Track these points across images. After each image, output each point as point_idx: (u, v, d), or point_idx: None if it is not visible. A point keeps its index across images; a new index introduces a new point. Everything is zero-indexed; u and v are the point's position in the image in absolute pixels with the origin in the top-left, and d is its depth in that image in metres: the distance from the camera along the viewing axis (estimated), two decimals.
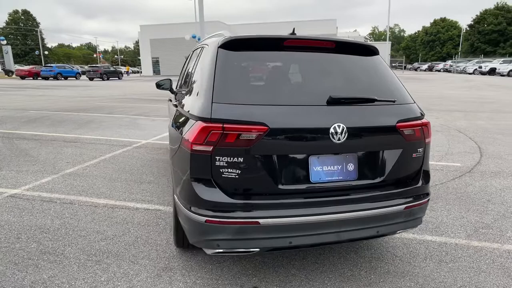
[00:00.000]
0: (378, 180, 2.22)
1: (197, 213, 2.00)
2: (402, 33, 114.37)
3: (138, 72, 69.21)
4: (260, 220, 1.95)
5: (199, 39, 37.05)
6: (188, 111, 2.25)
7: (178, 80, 4.71)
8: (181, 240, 2.63)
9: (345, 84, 2.31)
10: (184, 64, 4.00)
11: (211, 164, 1.97)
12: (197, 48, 3.53)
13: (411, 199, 2.28)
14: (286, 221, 1.98)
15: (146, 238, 2.97)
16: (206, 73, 2.23)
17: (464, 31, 66.53)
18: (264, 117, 1.97)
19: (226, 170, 1.97)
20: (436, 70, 51.95)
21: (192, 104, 2.24)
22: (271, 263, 2.63)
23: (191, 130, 2.04)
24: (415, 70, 58.81)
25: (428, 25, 78.74)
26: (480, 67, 36.07)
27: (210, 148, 1.94)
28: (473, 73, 37.12)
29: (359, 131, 2.11)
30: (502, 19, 57.11)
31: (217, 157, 1.96)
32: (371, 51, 2.51)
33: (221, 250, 2.04)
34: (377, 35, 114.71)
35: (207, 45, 2.60)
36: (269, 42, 2.32)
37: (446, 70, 48.85)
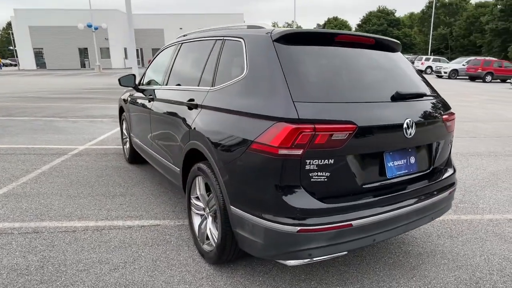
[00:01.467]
0: (429, 170, 2.33)
1: (287, 223, 1.80)
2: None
3: (12, 64, 59.42)
4: (353, 222, 1.86)
5: (96, 28, 33.63)
6: (248, 111, 2.00)
7: (145, 76, 4.20)
8: (221, 256, 2.34)
9: (393, 80, 2.34)
10: (168, 59, 3.54)
11: (300, 169, 1.79)
12: (193, 41, 3.16)
13: (451, 184, 2.45)
14: (373, 219, 1.93)
15: (166, 260, 2.58)
16: (265, 69, 2.02)
17: (354, 30, 74.34)
18: (351, 115, 1.87)
19: (316, 173, 1.82)
20: None
21: (252, 103, 2.00)
22: (319, 265, 2.54)
23: (269, 133, 1.81)
24: None
25: (322, 23, 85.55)
26: None
27: (300, 152, 1.76)
28: None
29: (421, 125, 2.16)
30: (383, 21, 65.54)
31: (307, 161, 1.78)
32: (397, 48, 2.60)
33: (308, 260, 1.89)
34: None
35: (242, 38, 2.33)
36: (322, 37, 2.20)
37: None
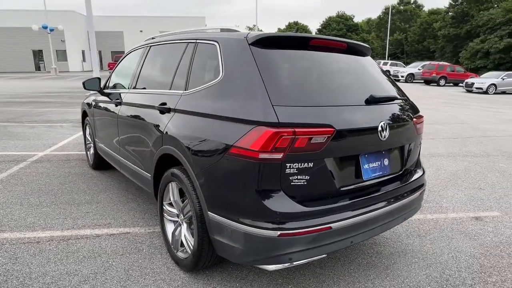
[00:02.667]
0: (401, 171, 2.41)
1: (267, 227, 1.79)
2: None
3: None
4: (332, 225, 1.88)
5: (51, 29, 31.94)
6: (225, 115, 1.97)
7: (110, 79, 4.05)
8: (198, 263, 2.28)
9: (366, 83, 2.41)
10: (135, 62, 3.42)
11: (280, 172, 1.79)
12: (160, 44, 3.09)
13: (421, 185, 2.55)
14: (351, 221, 1.96)
15: (139, 269, 2.48)
16: (241, 73, 2.01)
17: (314, 34, 75.86)
18: (329, 118, 1.89)
19: (296, 177, 1.82)
20: None
21: (229, 106, 1.98)
22: (295, 268, 2.55)
23: (248, 137, 1.80)
24: None
25: (283, 27, 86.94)
26: None
27: (280, 155, 1.76)
28: None
29: (394, 127, 2.24)
30: (343, 26, 67.53)
31: (288, 164, 1.79)
32: (367, 52, 2.68)
33: (288, 264, 1.88)
34: None
35: (216, 42, 2.30)
36: (297, 41, 2.22)
37: None
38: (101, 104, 3.98)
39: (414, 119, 2.46)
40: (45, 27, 31.11)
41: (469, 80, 22.07)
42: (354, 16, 72.65)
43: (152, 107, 2.71)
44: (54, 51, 36.01)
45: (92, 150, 4.72)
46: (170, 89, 2.63)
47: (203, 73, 2.40)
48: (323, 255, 1.95)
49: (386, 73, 2.72)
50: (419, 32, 57.74)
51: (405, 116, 2.39)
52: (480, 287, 2.38)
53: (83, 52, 45.02)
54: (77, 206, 3.54)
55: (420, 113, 2.65)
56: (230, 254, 2.01)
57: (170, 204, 2.60)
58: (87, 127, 4.87)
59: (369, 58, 2.69)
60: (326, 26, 70.40)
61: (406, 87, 23.40)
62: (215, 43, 2.32)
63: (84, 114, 4.84)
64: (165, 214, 2.66)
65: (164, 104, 2.55)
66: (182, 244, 2.47)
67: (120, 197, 3.81)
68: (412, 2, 67.00)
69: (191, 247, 2.31)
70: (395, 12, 63.50)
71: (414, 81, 28.67)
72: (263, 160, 1.76)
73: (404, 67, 33.75)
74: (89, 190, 4.00)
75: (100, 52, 46.90)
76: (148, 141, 2.74)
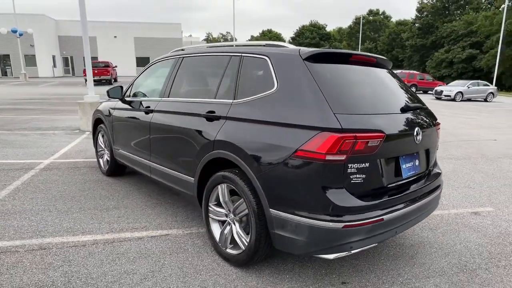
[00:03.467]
0: (426, 170, 2.75)
1: (332, 220, 2.05)
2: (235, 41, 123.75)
3: None
4: (384, 217, 2.17)
5: (21, 34, 30.80)
6: (286, 122, 2.22)
7: (132, 88, 4.19)
8: (253, 257, 2.50)
9: (396, 93, 2.74)
10: (166, 72, 3.59)
11: (343, 172, 2.06)
12: (195, 56, 3.30)
13: (441, 183, 2.91)
14: (397, 214, 2.26)
15: (192, 266, 2.66)
16: (299, 84, 2.27)
17: (287, 42, 77.29)
18: (380, 125, 2.19)
19: (355, 175, 2.10)
20: None
21: (290, 114, 2.23)
22: (335, 260, 2.81)
23: (314, 141, 2.06)
24: None
25: (257, 34, 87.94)
26: None
27: (343, 157, 2.03)
28: None
29: (424, 132, 2.58)
30: (316, 34, 69.29)
31: (349, 165, 2.06)
32: (389, 65, 3.02)
33: (347, 252, 2.15)
34: (212, 41, 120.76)
35: (266, 56, 2.55)
36: (341, 56, 2.52)
37: None
38: (125, 112, 4.10)
39: (436, 125, 2.82)
40: (14, 31, 30.02)
41: (438, 88, 23.48)
42: (326, 25, 74.81)
43: (197, 114, 2.91)
44: (23, 56, 34.73)
45: (106, 157, 4.80)
46: (215, 98, 2.85)
47: (253, 84, 2.63)
48: (375, 244, 2.23)
49: (406, 84, 3.07)
50: (388, 41, 60.43)
51: (430, 122, 2.74)
52: (494, 270, 2.74)
53: (53, 57, 43.64)
54: (106, 211, 3.65)
55: (438, 120, 3.02)
56: (291, 246, 2.25)
57: (217, 205, 2.80)
58: (99, 135, 4.94)
59: (391, 71, 3.03)
60: (300, 34, 72.08)
61: None
62: (265, 57, 2.57)
63: (97, 122, 4.91)
64: (210, 215, 2.85)
65: (212, 112, 2.76)
66: (232, 241, 2.67)
67: (145, 202, 3.94)
68: (380, 13, 70.00)
69: (246, 243, 2.52)
70: (365, 22, 66.12)
71: None
72: (329, 161, 2.02)
73: None
74: (111, 196, 4.10)
75: (71, 58, 45.68)
76: (191, 146, 2.93)
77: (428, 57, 46.81)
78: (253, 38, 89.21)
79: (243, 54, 2.78)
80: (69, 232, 3.14)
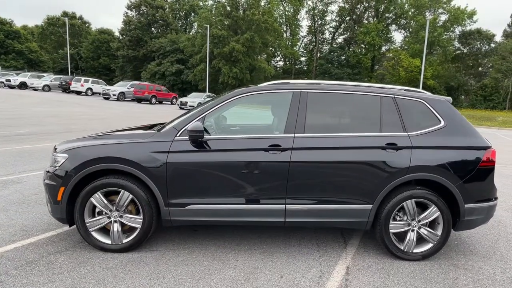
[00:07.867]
0: None
1: (496, 198, 3.66)
2: None
3: None
4: None
5: None
6: (462, 145, 3.54)
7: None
8: (441, 248, 3.60)
9: None
10: (283, 108, 3.56)
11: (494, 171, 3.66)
12: (335, 93, 3.66)
13: None
14: None
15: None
16: (459, 121, 3.64)
17: None
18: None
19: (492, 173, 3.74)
20: None
21: (463, 141, 3.55)
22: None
23: (487, 155, 3.54)
24: None
25: None
26: (9, 80, 34.59)
27: (495, 162, 3.64)
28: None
29: None
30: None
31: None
32: None
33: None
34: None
35: (423, 100, 3.65)
36: None
37: None
38: (215, 155, 3.44)
39: None
40: None
41: (183, 99, 26.77)
42: (12, 20, 60.58)
43: (373, 148, 3.44)
44: None
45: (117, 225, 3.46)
46: (380, 132, 3.53)
47: (417, 121, 3.59)
48: None
49: None
50: (93, 49, 58.57)
51: None
52: None
53: None
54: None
55: None
56: (473, 224, 3.61)
57: (396, 219, 3.58)
58: (98, 196, 3.39)
59: None
60: None
61: (122, 106, 24.41)
62: (422, 101, 3.66)
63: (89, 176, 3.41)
64: (391, 230, 3.55)
65: (393, 144, 3.46)
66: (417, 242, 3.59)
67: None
68: (78, 17, 66.30)
69: (435, 240, 3.57)
70: (60, 24, 60.57)
71: (125, 99, 30.19)
72: (494, 164, 3.57)
73: (105, 85, 34.38)
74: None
75: None
76: (368, 177, 3.43)
77: (142, 68, 50.01)
78: None
79: (395, 96, 3.63)
80: None
